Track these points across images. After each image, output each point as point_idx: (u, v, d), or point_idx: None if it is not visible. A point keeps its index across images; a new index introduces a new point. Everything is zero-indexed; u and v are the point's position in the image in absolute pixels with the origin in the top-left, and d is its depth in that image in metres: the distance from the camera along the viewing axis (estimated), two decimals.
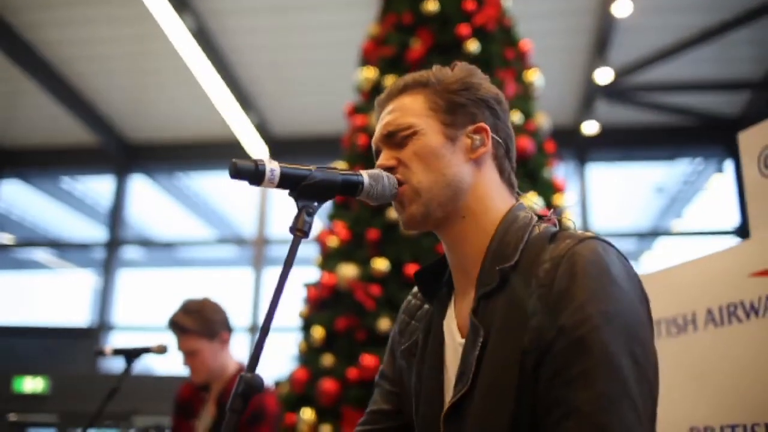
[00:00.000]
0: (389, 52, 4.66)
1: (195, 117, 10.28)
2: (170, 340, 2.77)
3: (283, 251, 11.38)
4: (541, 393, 1.13)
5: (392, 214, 4.20)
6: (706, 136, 10.00)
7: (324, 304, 4.36)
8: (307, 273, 4.81)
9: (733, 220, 9.88)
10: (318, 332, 4.23)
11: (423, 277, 1.47)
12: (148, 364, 10.57)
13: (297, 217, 1.16)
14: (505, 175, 1.43)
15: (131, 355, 2.56)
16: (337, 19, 8.14)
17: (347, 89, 7.47)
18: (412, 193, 1.34)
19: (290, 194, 1.19)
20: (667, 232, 11.74)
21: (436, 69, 1.43)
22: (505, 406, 1.15)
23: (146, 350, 2.56)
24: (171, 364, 9.46)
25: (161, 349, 2.57)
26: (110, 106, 10.15)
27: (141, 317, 11.20)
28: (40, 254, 12.57)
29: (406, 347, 1.46)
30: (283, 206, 11.18)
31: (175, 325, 2.88)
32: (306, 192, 1.18)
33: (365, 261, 4.21)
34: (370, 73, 4.68)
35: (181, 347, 2.89)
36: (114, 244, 11.18)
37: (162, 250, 12.28)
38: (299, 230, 1.15)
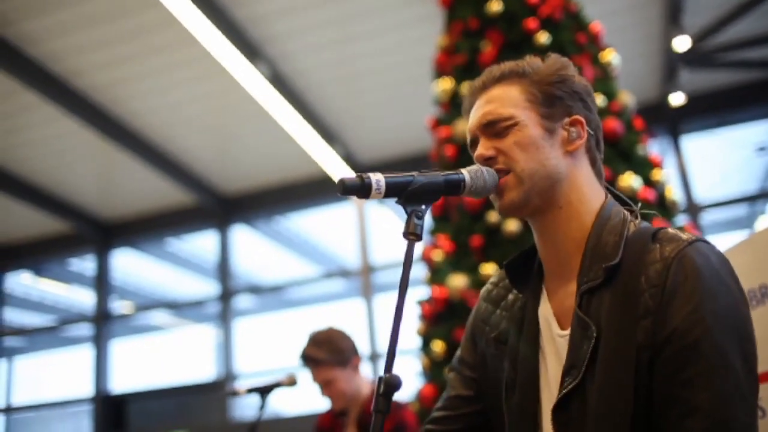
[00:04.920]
0: (461, 60, 4.67)
1: (283, 160, 10.51)
2: (298, 377, 2.82)
3: (388, 277, 11.48)
4: (657, 391, 1.19)
5: (492, 218, 4.19)
6: None
7: (439, 318, 4.37)
8: (415, 293, 4.85)
9: None
10: (438, 346, 4.25)
11: (512, 267, 1.50)
12: (275, 408, 10.80)
13: (408, 222, 1.21)
14: (596, 166, 1.48)
15: (264, 391, 2.64)
16: (402, 39, 8.21)
17: (424, 105, 7.53)
18: (515, 180, 1.38)
19: (398, 201, 1.23)
20: None
21: (530, 60, 1.48)
22: (625, 401, 1.19)
23: (277, 385, 2.64)
24: (298, 405, 9.61)
25: (292, 381, 2.65)
26: (202, 163, 10.49)
27: (263, 362, 11.45)
28: (159, 317, 13.01)
29: (496, 335, 1.50)
30: (382, 232, 11.28)
31: (308, 358, 2.96)
32: (412, 197, 1.23)
33: (473, 268, 4.21)
34: (446, 84, 4.71)
35: (316, 379, 2.97)
36: (226, 296, 11.48)
37: (272, 295, 12.53)
38: (412, 234, 1.20)
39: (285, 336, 12.04)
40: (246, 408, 10.98)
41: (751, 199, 11.29)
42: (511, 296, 1.54)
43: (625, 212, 1.42)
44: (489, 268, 4.10)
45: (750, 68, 9.05)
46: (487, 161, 1.39)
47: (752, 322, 1.23)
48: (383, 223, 11.49)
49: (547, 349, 1.39)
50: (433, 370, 4.34)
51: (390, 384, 1.04)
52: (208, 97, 8.99)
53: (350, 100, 9.41)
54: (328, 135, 9.80)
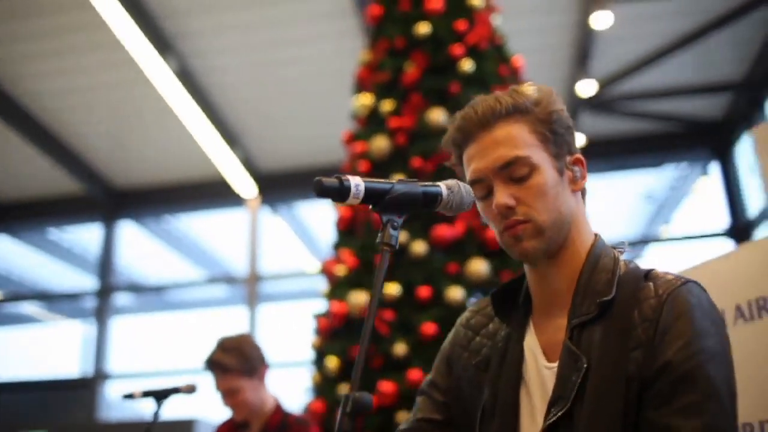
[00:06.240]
0: (384, 77, 4.67)
1: (181, 158, 10.24)
2: (197, 384, 2.67)
3: (275, 287, 11.33)
4: (647, 421, 1.21)
5: (399, 238, 4.16)
6: (691, 140, 10.07)
7: (336, 333, 4.32)
8: (312, 306, 4.79)
9: (723, 222, 9.91)
10: (332, 362, 4.18)
11: (498, 297, 1.49)
12: (142, 411, 10.46)
13: (383, 232, 1.15)
14: (585, 199, 1.48)
15: (161, 396, 2.50)
16: (320, 51, 8.19)
17: (332, 119, 7.50)
18: (534, 231, 1.36)
19: (373, 208, 1.17)
20: (657, 239, 11.77)
21: (520, 92, 1.42)
22: (613, 430, 1.21)
23: (175, 390, 2.51)
24: (171, 409, 9.32)
25: (190, 389, 2.53)
26: (95, 153, 10.09)
27: (137, 364, 11.09)
28: (29, 307, 12.42)
29: (477, 362, 1.48)
30: (273, 241, 11.14)
31: (215, 364, 2.84)
32: (389, 205, 1.17)
33: None
34: (366, 99, 4.69)
35: (220, 387, 2.85)
36: (105, 292, 11.06)
37: (154, 295, 12.18)
38: (386, 244, 1.14)
39: (162, 338, 11.74)
40: (113, 409, 10.60)
41: (631, 244, 11.75)
42: (491, 325, 1.53)
43: (615, 252, 1.42)
44: (392, 288, 4.08)
45: (647, 119, 9.44)
46: (508, 210, 1.36)
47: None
48: (274, 233, 11.36)
49: (532, 381, 1.38)
50: (325, 386, 4.27)
51: (359, 403, 0.95)
52: (110, 85, 8.68)
53: (257, 105, 9.27)
54: (230, 138, 9.62)
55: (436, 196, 1.24)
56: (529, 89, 1.44)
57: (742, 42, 8.37)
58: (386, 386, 3.85)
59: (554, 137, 1.40)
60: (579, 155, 1.45)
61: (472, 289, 4.04)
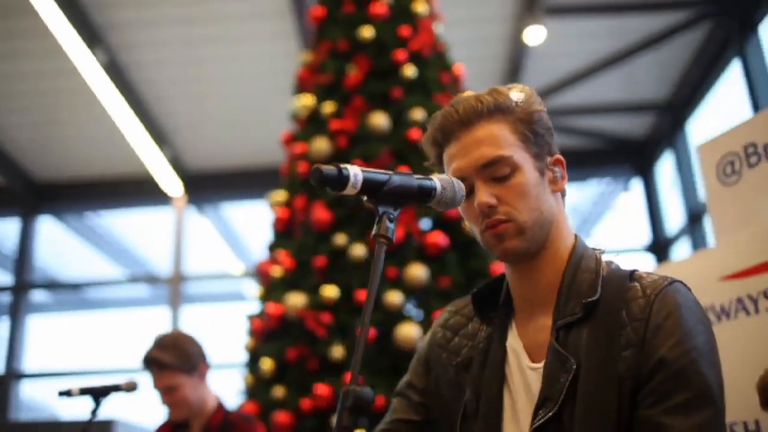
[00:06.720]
0: (326, 79, 4.66)
1: (106, 154, 9.96)
2: (138, 382, 2.58)
3: (199, 288, 11.14)
4: (641, 419, 1.22)
5: (338, 240, 4.16)
6: (615, 157, 10.34)
7: (271, 335, 4.28)
8: (235, 307, 4.72)
9: (644, 237, 10.19)
10: (267, 364, 4.13)
11: (479, 297, 1.49)
12: (54, 412, 10.13)
13: (379, 224, 1.12)
14: (565, 200, 1.49)
15: (100, 393, 2.42)
16: (254, 51, 8.11)
17: (265, 121, 7.41)
18: (516, 230, 1.36)
19: (368, 200, 1.15)
20: None
21: (502, 91, 1.42)
22: (608, 430, 1.21)
23: (116, 388, 2.43)
24: (80, 410, 9.07)
25: (131, 386, 2.45)
26: (15, 143, 9.72)
27: (53, 363, 10.75)
28: None
29: (458, 362, 1.47)
30: (198, 241, 10.97)
31: (153, 361, 2.76)
32: (386, 197, 1.14)
33: (313, 289, 4.16)
34: (307, 100, 4.66)
35: (158, 385, 2.77)
36: (20, 288, 10.68)
37: (72, 293, 11.83)
38: (383, 237, 1.11)
39: (80, 337, 11.43)
40: (27, 409, 10.27)
41: None
42: (471, 325, 1.52)
43: (597, 253, 1.43)
44: (330, 291, 4.05)
45: (574, 135, 9.64)
46: (490, 209, 1.35)
47: None
48: (200, 233, 11.18)
49: (515, 381, 1.38)
50: (258, 388, 4.22)
51: (360, 398, 0.93)
52: (36, 75, 8.40)
53: (188, 103, 9.11)
54: (158, 135, 9.42)
55: (430, 190, 1.21)
56: (511, 89, 1.44)
57: (667, 64, 8.66)
58: (322, 389, 3.83)
59: (535, 138, 1.41)
60: (559, 156, 1.46)
61: (410, 294, 4.05)
